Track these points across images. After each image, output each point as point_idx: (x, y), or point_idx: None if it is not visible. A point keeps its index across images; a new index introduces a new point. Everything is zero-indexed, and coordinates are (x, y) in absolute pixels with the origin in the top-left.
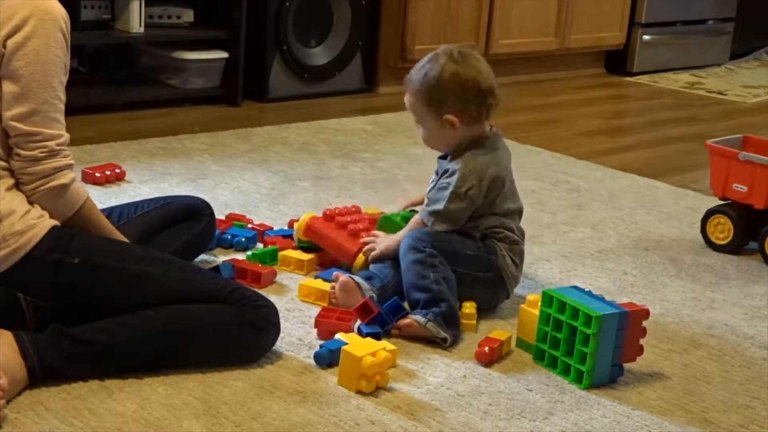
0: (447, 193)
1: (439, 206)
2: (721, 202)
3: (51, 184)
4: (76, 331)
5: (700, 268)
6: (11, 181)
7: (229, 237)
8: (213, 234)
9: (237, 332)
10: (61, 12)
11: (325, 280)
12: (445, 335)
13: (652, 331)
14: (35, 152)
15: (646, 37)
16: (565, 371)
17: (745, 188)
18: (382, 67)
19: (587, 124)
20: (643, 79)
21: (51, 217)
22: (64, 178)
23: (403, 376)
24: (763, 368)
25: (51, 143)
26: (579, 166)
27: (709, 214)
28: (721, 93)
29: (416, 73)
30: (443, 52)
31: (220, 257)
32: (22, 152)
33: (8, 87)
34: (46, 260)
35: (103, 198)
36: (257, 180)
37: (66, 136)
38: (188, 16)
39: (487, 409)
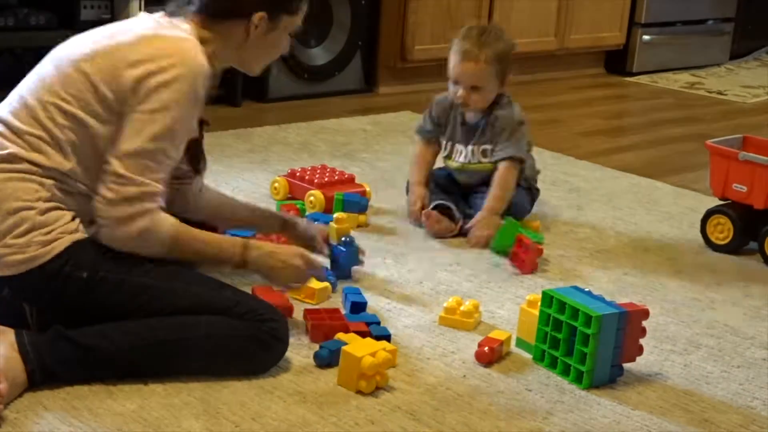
0: (521, 133)
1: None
2: (721, 202)
3: (125, 229)
4: (76, 336)
5: (699, 268)
6: (62, 188)
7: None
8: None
9: (239, 346)
10: (204, 67)
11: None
12: None
13: (652, 331)
14: (110, 194)
15: (645, 37)
16: (565, 371)
17: (744, 188)
18: (382, 67)
19: (587, 124)
20: (643, 79)
21: (153, 255)
22: (139, 223)
23: (403, 376)
24: (763, 368)
25: (131, 188)
26: (579, 166)
27: (709, 214)
28: (720, 93)
29: (485, 44)
30: (496, 27)
31: None
32: (102, 190)
33: (129, 123)
34: (57, 273)
35: None
36: (257, 180)
37: (158, 189)
38: None
39: (487, 409)
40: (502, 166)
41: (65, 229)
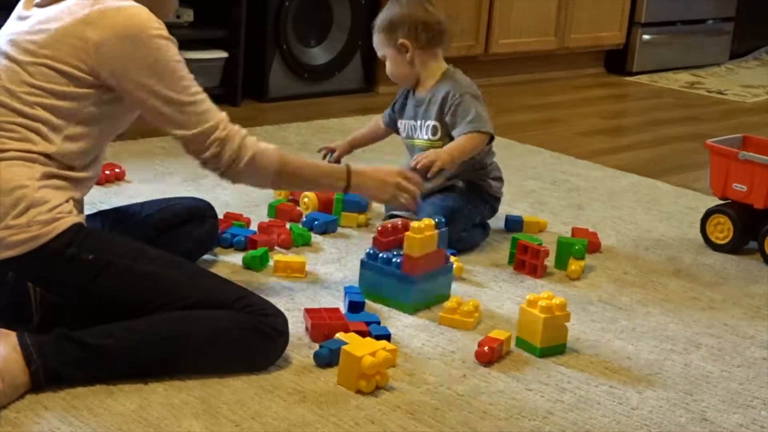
0: (473, 103)
1: (482, 113)
2: (721, 202)
3: (243, 161)
4: (80, 335)
5: (699, 267)
6: (51, 171)
7: (229, 237)
8: (216, 236)
9: (243, 339)
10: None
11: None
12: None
13: (652, 331)
14: (211, 150)
15: (645, 37)
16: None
17: (744, 188)
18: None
19: (587, 124)
20: (643, 78)
21: (264, 187)
22: (249, 150)
23: (403, 375)
24: (763, 368)
25: (216, 134)
26: (579, 165)
27: (709, 213)
28: (720, 93)
29: (379, 17)
30: None
31: (220, 256)
32: (202, 155)
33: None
34: (61, 254)
35: (104, 198)
36: None
37: (222, 115)
38: (188, 15)
39: (487, 409)
40: (464, 134)
41: (63, 209)
